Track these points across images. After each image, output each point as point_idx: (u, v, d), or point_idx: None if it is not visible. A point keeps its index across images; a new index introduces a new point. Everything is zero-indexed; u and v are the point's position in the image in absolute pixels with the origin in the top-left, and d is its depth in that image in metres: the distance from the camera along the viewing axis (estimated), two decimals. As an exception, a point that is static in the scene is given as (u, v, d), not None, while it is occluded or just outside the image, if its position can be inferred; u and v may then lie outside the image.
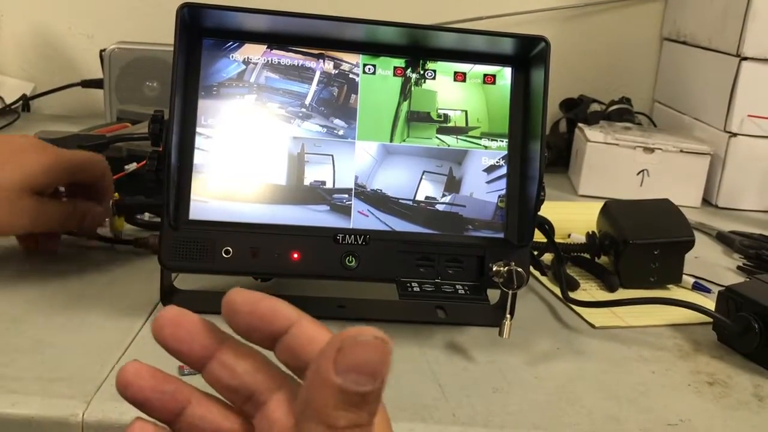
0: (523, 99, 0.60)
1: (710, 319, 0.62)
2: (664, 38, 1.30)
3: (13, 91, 1.25)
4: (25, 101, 1.26)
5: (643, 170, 1.04)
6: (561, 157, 1.16)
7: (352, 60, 0.59)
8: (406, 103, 0.59)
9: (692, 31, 1.18)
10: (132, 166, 0.79)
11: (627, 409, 0.51)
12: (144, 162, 0.57)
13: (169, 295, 0.59)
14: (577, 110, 1.21)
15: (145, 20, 1.27)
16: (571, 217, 0.85)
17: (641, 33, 1.32)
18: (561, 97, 1.27)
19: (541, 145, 0.56)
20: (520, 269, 0.56)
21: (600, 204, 0.77)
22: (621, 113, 1.17)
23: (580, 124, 1.12)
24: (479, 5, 1.27)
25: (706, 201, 1.08)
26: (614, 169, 1.04)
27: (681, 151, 1.04)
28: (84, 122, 1.11)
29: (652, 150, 1.04)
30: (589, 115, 1.18)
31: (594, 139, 1.05)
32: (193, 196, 0.56)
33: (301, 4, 1.25)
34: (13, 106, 1.22)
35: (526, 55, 0.59)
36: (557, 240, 0.78)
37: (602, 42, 1.33)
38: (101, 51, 1.12)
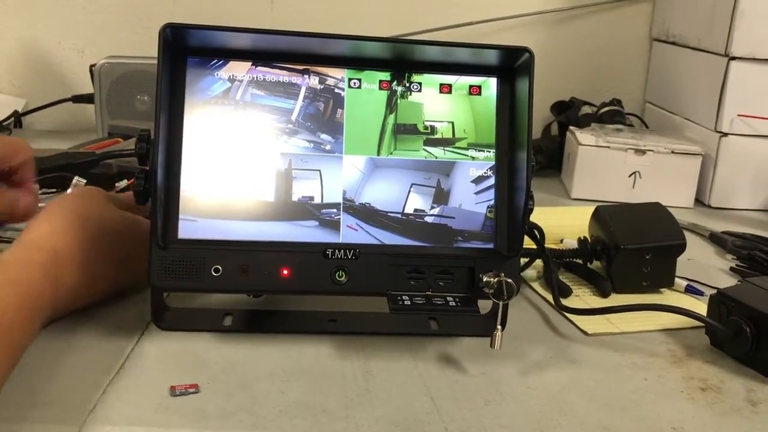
0: (509, 109, 0.60)
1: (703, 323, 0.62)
2: (654, 39, 1.30)
3: (4, 108, 1.24)
4: (17, 118, 1.26)
5: (635, 172, 1.04)
6: (553, 160, 1.16)
7: (337, 75, 0.59)
8: (392, 116, 0.59)
9: (681, 31, 1.18)
10: (122, 183, 0.79)
11: (619, 419, 0.51)
12: (133, 180, 0.57)
13: (160, 313, 0.59)
14: (569, 113, 1.21)
15: (135, 34, 1.27)
16: (563, 222, 0.85)
17: (631, 34, 1.33)
18: (552, 100, 1.27)
19: (527, 154, 0.56)
20: (509, 280, 0.56)
21: (592, 208, 0.78)
22: (612, 115, 1.17)
23: (571, 127, 1.12)
24: (469, 11, 1.27)
25: (699, 201, 1.08)
26: (606, 171, 1.04)
27: (672, 152, 1.04)
28: (76, 137, 1.12)
29: (643, 152, 1.04)
30: (580, 118, 1.18)
31: (585, 142, 1.05)
32: (181, 215, 0.56)
33: (285, 20, 1.26)
34: (4, 123, 1.22)
35: (511, 66, 0.59)
36: (549, 245, 0.78)
37: (592, 44, 1.33)
38: (91, 66, 1.12)
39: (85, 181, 0.78)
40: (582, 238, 0.77)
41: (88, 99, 1.16)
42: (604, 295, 0.72)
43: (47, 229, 0.56)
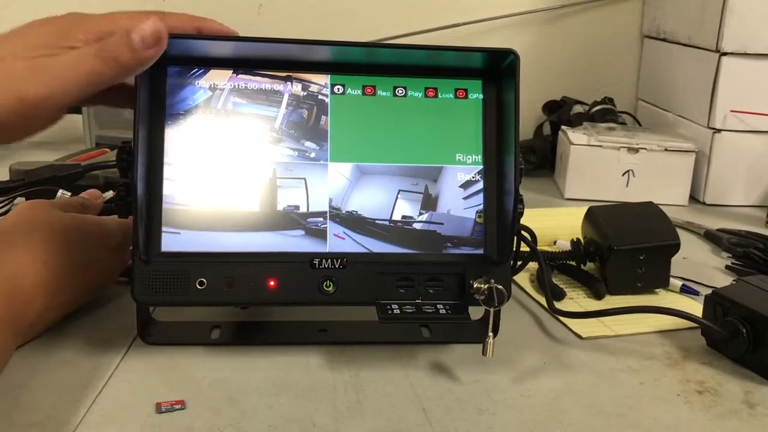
0: (496, 112, 0.59)
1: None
2: (645, 36, 1.29)
3: (-9, 120, 1.23)
4: (4, 129, 1.24)
5: (628, 171, 1.04)
6: (546, 160, 1.16)
7: (320, 81, 0.58)
8: (377, 122, 0.58)
9: (672, 27, 1.18)
10: (109, 194, 0.78)
11: (615, 425, 0.50)
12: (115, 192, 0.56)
13: (146, 327, 0.58)
14: (560, 112, 1.20)
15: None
16: (557, 223, 0.84)
17: (621, 31, 1.32)
18: (543, 100, 1.26)
19: (515, 157, 0.55)
20: (500, 286, 0.55)
21: (585, 208, 0.77)
22: (604, 113, 1.17)
23: (563, 127, 1.11)
24: (457, 12, 1.26)
25: (694, 198, 1.07)
26: (599, 171, 1.04)
27: (665, 149, 1.03)
28: (63, 148, 1.10)
29: (636, 150, 1.03)
30: (572, 117, 1.18)
31: (577, 141, 1.04)
32: (164, 228, 0.55)
33: (272, 25, 1.25)
34: (-9, 136, 1.21)
35: (497, 68, 0.58)
36: (543, 247, 0.77)
37: (583, 42, 1.32)
38: (78, 76, 1.11)
39: (69, 194, 0.77)
40: (575, 239, 0.76)
41: (75, 109, 1.15)
42: (599, 297, 0.71)
43: None
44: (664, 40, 1.20)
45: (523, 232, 0.69)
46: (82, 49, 0.50)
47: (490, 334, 0.55)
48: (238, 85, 0.57)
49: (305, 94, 0.57)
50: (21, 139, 0.52)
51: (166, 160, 0.55)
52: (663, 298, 0.72)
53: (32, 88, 0.48)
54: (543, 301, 0.68)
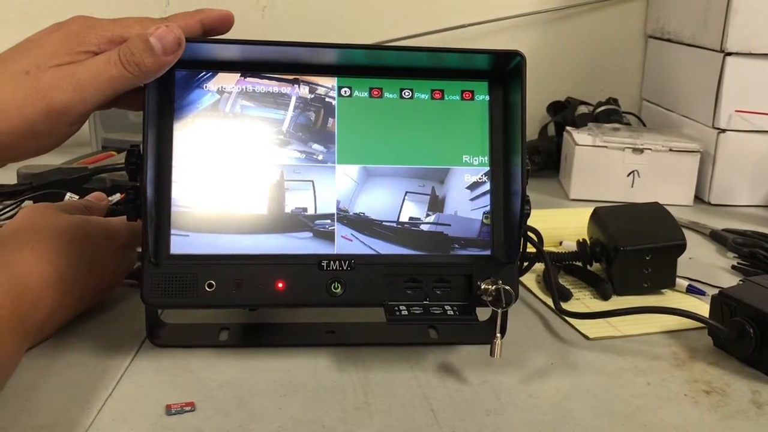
0: (502, 113, 0.59)
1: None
2: (649, 36, 1.30)
3: (-3, 124, 1.23)
4: (11, 133, 1.24)
5: (633, 171, 1.04)
6: (551, 161, 1.16)
7: (327, 83, 0.58)
8: (384, 124, 0.58)
9: (676, 27, 1.18)
10: (116, 197, 0.78)
11: (623, 425, 0.50)
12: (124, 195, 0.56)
13: (155, 330, 0.59)
14: (565, 113, 1.20)
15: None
16: (562, 224, 0.85)
17: (625, 32, 1.32)
18: (548, 101, 1.26)
19: (522, 159, 0.56)
20: (507, 287, 0.55)
21: (590, 209, 0.77)
22: (609, 114, 1.17)
23: (568, 128, 1.12)
24: (462, 13, 1.26)
25: (699, 198, 1.07)
26: (604, 171, 1.04)
27: (670, 150, 1.03)
28: (70, 151, 1.10)
29: (641, 150, 1.03)
30: (577, 118, 1.18)
31: (582, 142, 1.04)
32: (173, 231, 0.55)
33: (276, 28, 1.25)
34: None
35: (503, 69, 0.59)
36: (549, 248, 0.77)
37: (587, 43, 1.32)
38: (84, 79, 1.11)
39: (77, 197, 0.77)
40: (581, 240, 0.76)
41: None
42: (605, 297, 0.71)
43: None
44: (668, 40, 1.21)
45: (529, 233, 0.69)
46: (104, 55, 0.51)
47: (498, 334, 0.55)
48: (246, 88, 0.57)
49: (312, 96, 0.58)
50: (51, 147, 0.53)
51: (174, 163, 0.56)
52: (669, 298, 0.72)
53: (61, 96, 0.49)
54: (550, 301, 0.68)
